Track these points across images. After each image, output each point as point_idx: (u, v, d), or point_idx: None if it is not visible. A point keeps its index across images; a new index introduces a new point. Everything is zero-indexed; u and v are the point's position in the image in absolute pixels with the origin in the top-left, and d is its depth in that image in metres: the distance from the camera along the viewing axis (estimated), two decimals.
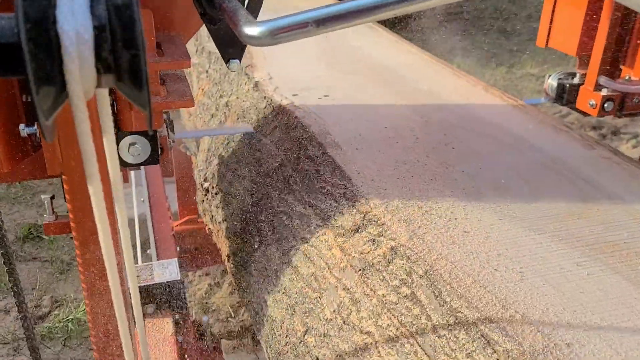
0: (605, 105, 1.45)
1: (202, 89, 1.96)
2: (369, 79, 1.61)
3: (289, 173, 1.23)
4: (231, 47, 1.09)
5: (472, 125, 1.31)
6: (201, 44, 2.20)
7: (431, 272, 0.82)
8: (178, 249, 2.05)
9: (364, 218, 0.98)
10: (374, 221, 0.96)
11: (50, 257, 3.30)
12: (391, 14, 0.71)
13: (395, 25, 7.70)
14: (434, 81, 1.59)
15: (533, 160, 1.15)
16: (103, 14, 0.42)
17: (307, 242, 1.06)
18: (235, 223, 1.34)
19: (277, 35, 0.71)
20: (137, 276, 1.42)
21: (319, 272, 1.00)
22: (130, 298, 0.70)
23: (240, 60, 1.11)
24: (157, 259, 2.19)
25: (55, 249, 3.36)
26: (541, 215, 0.97)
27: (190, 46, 2.27)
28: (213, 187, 1.48)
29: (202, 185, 1.53)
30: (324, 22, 0.70)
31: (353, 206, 1.01)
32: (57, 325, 2.76)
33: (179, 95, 1.05)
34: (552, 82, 1.57)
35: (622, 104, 1.51)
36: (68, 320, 2.78)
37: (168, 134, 1.16)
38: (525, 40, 7.67)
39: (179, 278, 1.46)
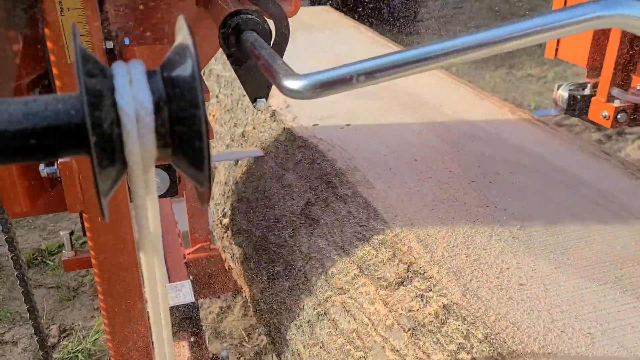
0: (619, 116, 1.43)
1: (213, 115, 1.89)
2: (391, 103, 1.54)
3: (318, 214, 1.16)
4: (257, 86, 1.07)
5: (506, 154, 1.25)
6: (208, 66, 2.14)
7: (492, 336, 0.76)
8: (191, 277, 1.98)
9: (408, 269, 0.91)
10: (420, 274, 0.89)
11: (56, 283, 3.22)
12: (434, 67, 0.69)
13: (394, 25, 7.66)
14: (459, 104, 1.53)
15: (579, 194, 1.08)
16: (162, 91, 0.42)
17: (345, 294, 1.00)
18: (259, 265, 1.28)
19: (319, 89, 0.68)
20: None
21: (362, 329, 0.93)
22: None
23: (266, 99, 1.10)
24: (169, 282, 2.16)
25: (61, 274, 3.28)
26: (598, 261, 0.90)
27: None
28: (234, 224, 1.42)
29: (220, 221, 1.46)
30: (368, 75, 0.68)
31: (394, 255, 0.95)
32: (66, 357, 2.68)
33: None
34: (562, 92, 1.54)
35: (635, 115, 1.49)
36: (78, 351, 2.70)
37: None
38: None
39: (193, 300, 1.45)
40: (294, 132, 1.39)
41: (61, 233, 1.17)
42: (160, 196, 1.09)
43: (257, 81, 1.06)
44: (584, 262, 0.90)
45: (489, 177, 1.15)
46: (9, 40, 0.89)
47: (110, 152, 0.41)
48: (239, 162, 1.49)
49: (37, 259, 3.40)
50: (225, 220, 1.45)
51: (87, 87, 0.40)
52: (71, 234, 1.19)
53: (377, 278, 0.95)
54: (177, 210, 2.86)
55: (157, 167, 1.04)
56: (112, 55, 1.04)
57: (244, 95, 1.72)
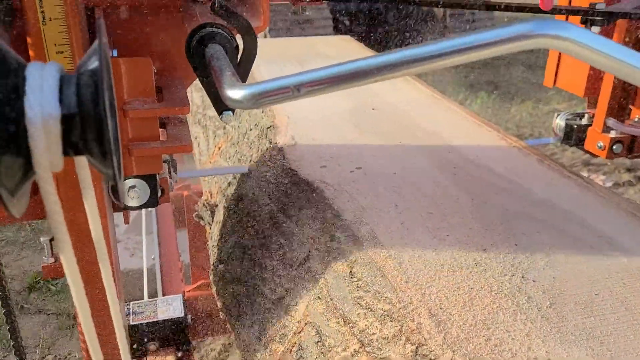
0: (614, 147, 1.42)
1: (219, 147, 1.78)
2: (408, 144, 1.42)
3: (319, 270, 1.03)
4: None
5: (533, 210, 1.11)
6: None
7: None
8: (190, 317, 1.85)
9: (416, 352, 0.77)
10: None
11: (56, 309, 3.12)
12: (375, 79, 0.70)
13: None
14: (482, 148, 1.40)
15: (619, 265, 0.94)
16: (71, 89, 0.42)
17: None
18: (252, 322, 1.15)
19: (260, 99, 0.70)
20: (141, 313, 1.41)
21: None
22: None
23: (233, 112, 1.09)
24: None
25: (63, 300, 3.18)
26: None
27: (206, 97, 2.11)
28: (228, 272, 1.29)
29: (216, 266, 1.34)
30: (306, 87, 0.69)
31: (401, 331, 0.81)
32: None
33: (178, 140, 1.06)
34: (560, 121, 1.53)
35: (632, 146, 1.47)
36: None
37: (170, 174, 1.14)
38: None
39: (183, 315, 1.43)
40: (299, 174, 1.26)
41: (42, 239, 1.13)
42: (141, 207, 1.08)
43: None
44: (629, 354, 0.75)
45: (514, 237, 1.01)
46: None
47: (14, 147, 0.40)
48: (240, 203, 1.37)
49: (39, 283, 3.31)
50: (221, 267, 1.32)
51: None
52: (51, 240, 1.13)
53: (381, 358, 0.81)
54: (182, 241, 2.76)
55: (137, 177, 1.05)
56: None
57: (251, 129, 1.61)
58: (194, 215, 1.61)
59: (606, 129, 1.42)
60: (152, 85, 1.00)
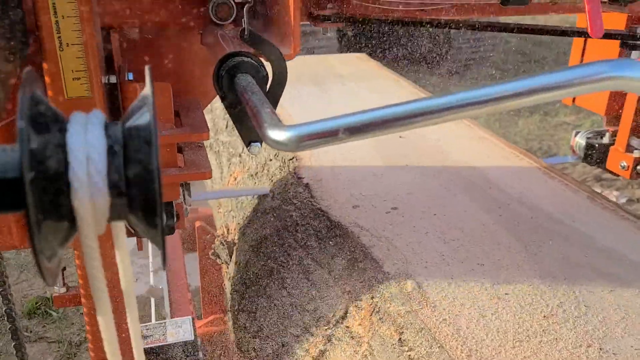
0: (638, 167, 1.36)
1: (235, 177, 1.67)
2: (443, 179, 1.30)
3: (360, 332, 0.92)
4: (252, 130, 1.01)
5: (597, 261, 0.99)
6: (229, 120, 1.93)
7: None
8: (202, 355, 1.73)
9: None
10: None
11: (58, 337, 2.99)
12: (432, 122, 0.65)
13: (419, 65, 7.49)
14: (524, 185, 1.28)
15: None
16: (118, 144, 0.39)
17: None
18: None
19: (305, 142, 0.65)
20: (149, 336, 1.37)
21: None
22: None
23: (261, 144, 1.04)
24: None
25: (64, 327, 3.05)
26: None
27: (220, 120, 2.01)
28: (252, 325, 1.17)
29: (236, 315, 1.22)
30: (356, 130, 0.65)
31: None
32: None
33: (196, 167, 1.02)
34: (580, 140, 1.49)
35: None
36: None
37: (185, 199, 1.10)
38: None
39: (194, 338, 1.37)
40: (330, 216, 1.15)
41: None
42: None
43: (252, 125, 0.97)
44: None
45: (582, 295, 0.90)
46: (7, 74, 0.84)
47: (53, 205, 0.37)
48: (263, 245, 1.25)
49: (39, 309, 3.18)
50: (243, 317, 1.21)
51: (29, 138, 0.36)
52: (63, 269, 1.14)
53: None
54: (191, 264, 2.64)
55: None
56: (114, 90, 0.99)
57: (271, 160, 1.49)
58: (210, 254, 1.49)
59: (629, 148, 1.38)
60: (171, 111, 0.97)
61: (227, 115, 1.98)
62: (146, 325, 1.39)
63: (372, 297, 0.94)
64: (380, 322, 0.89)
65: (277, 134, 0.67)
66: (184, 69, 1.12)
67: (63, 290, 1.11)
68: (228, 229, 1.51)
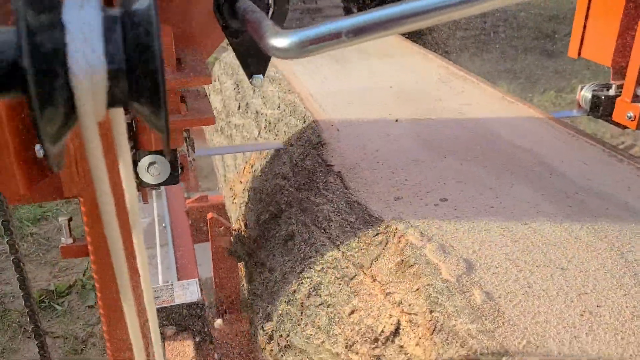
0: None
1: (251, 164, 1.50)
2: (495, 165, 1.13)
3: (417, 355, 0.75)
4: (254, 61, 1.05)
5: None
6: (244, 98, 1.76)
7: None
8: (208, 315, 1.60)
9: None
10: None
11: (63, 332, 2.86)
12: (432, 22, 0.66)
13: (422, 39, 7.25)
14: (590, 170, 1.11)
15: None
16: (117, 25, 0.38)
17: None
18: None
19: (307, 47, 0.65)
20: (157, 297, 1.40)
21: None
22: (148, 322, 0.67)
23: (263, 75, 1.07)
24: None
25: (70, 321, 2.92)
26: None
27: (231, 100, 1.83)
28: (280, 335, 1.01)
29: (262, 327, 1.06)
30: (359, 31, 0.65)
31: None
32: None
33: (199, 113, 1.03)
34: (586, 93, 1.48)
35: None
36: None
37: (188, 152, 1.11)
38: (572, 61, 7.12)
39: (200, 299, 1.42)
40: (370, 210, 0.98)
41: (60, 219, 1.12)
42: (161, 184, 1.03)
43: (254, 56, 1.03)
44: None
45: None
46: None
47: (56, 89, 0.37)
48: (290, 243, 1.09)
49: (44, 302, 3.04)
50: (269, 326, 1.05)
51: (26, 16, 0.35)
52: (70, 220, 1.13)
53: None
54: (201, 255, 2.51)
55: (156, 153, 1.00)
56: None
57: (292, 145, 1.32)
58: (226, 252, 1.33)
59: (636, 98, 1.36)
60: (173, 55, 0.96)
61: (239, 96, 1.81)
62: (154, 288, 1.42)
63: (431, 311, 0.78)
64: (446, 345, 0.73)
65: (279, 41, 0.67)
66: (184, 18, 1.08)
67: (70, 241, 1.11)
68: (246, 224, 1.34)
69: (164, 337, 1.41)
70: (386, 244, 0.92)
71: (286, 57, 0.69)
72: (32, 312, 1.66)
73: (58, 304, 3.04)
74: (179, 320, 1.43)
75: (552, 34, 8.51)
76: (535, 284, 0.78)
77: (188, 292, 1.45)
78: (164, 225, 2.67)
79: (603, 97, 1.45)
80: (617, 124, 1.44)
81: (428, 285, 0.81)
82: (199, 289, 1.46)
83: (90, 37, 0.37)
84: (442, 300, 0.78)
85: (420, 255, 0.86)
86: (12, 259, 1.60)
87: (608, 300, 0.75)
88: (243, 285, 1.46)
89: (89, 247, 1.04)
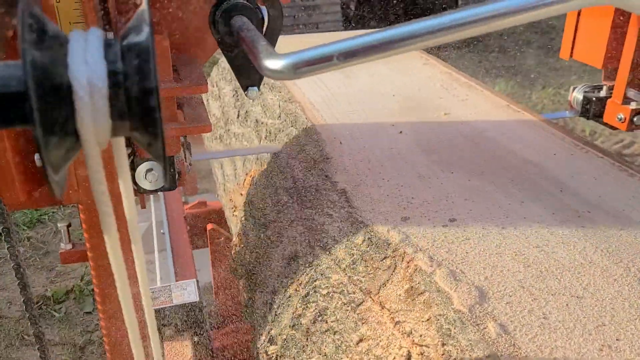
0: (635, 118, 1.36)
1: (251, 176, 1.47)
2: (503, 182, 1.10)
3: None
4: (249, 74, 1.06)
5: None
6: (243, 106, 1.72)
7: None
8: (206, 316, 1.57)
9: None
10: None
11: (60, 339, 2.83)
12: (422, 46, 0.68)
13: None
14: (606, 188, 1.08)
15: None
16: (117, 60, 0.40)
17: None
18: None
19: (301, 69, 0.67)
20: (155, 298, 1.41)
21: None
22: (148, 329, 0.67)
23: (259, 88, 1.07)
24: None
25: (67, 328, 2.89)
26: None
27: (230, 108, 1.80)
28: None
29: (266, 350, 1.03)
30: (351, 55, 0.67)
31: None
32: None
33: (196, 121, 1.04)
34: (577, 95, 1.49)
35: None
36: None
37: (185, 156, 1.11)
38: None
39: (198, 300, 1.42)
40: (376, 231, 0.95)
41: (59, 225, 1.14)
42: (158, 190, 1.05)
43: (249, 69, 1.04)
44: None
45: None
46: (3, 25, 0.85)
47: (61, 119, 0.38)
48: (293, 263, 1.06)
49: (41, 308, 3.01)
50: (272, 349, 1.02)
51: (31, 50, 0.37)
52: (69, 226, 1.15)
53: None
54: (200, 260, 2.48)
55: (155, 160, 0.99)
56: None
57: (293, 157, 1.29)
58: (229, 269, 1.30)
59: (626, 100, 1.37)
60: (169, 64, 0.97)
61: (238, 104, 1.78)
62: (152, 289, 1.41)
63: (444, 344, 0.75)
64: None
65: (273, 63, 0.68)
66: (179, 26, 1.08)
67: (69, 246, 1.12)
68: (247, 240, 1.31)
69: (162, 338, 1.41)
70: (394, 268, 0.89)
71: (279, 78, 0.71)
72: (33, 319, 1.66)
73: (55, 310, 3.01)
74: (177, 321, 1.42)
75: (551, 30, 8.48)
76: (551, 315, 0.75)
77: (186, 293, 1.44)
78: (162, 231, 2.64)
79: (594, 99, 1.46)
80: (608, 125, 1.45)
81: (439, 315, 0.78)
82: (197, 290, 1.44)
83: (95, 83, 0.39)
84: (454, 332, 0.75)
85: (430, 282, 0.83)
86: (12, 265, 1.60)
87: (627, 332, 0.72)
88: (243, 297, 1.44)
89: (88, 253, 1.05)
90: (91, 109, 0.39)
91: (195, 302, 1.40)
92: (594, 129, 5.06)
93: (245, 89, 1.07)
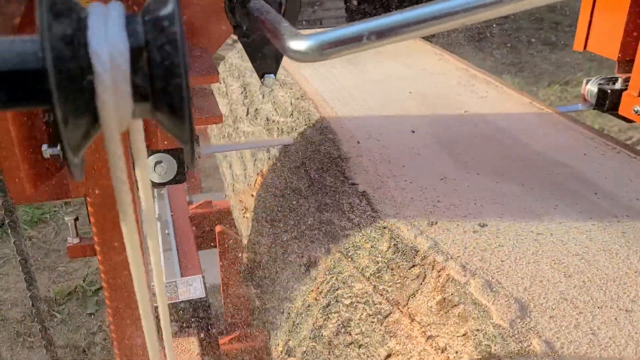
0: None
1: (262, 176, 1.41)
2: (533, 184, 1.04)
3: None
4: (266, 61, 1.03)
5: None
6: (252, 103, 1.66)
7: None
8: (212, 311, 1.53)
9: None
10: None
11: (63, 342, 2.77)
12: (456, 24, 0.65)
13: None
14: (636, 185, 1.03)
15: None
16: (140, 34, 0.37)
17: None
18: None
19: (327, 50, 0.64)
20: None
21: None
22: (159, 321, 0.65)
23: (275, 75, 1.04)
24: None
25: (69, 331, 2.84)
26: None
27: (238, 106, 1.74)
28: None
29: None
30: (381, 34, 0.63)
31: None
32: None
33: (207, 112, 1.02)
34: (591, 87, 1.46)
35: None
36: None
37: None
38: (576, 53, 7.01)
39: (204, 295, 1.41)
40: (402, 238, 0.89)
41: (66, 218, 1.12)
42: (168, 182, 1.04)
43: (266, 56, 1.02)
44: None
45: None
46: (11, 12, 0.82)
47: (79, 99, 0.36)
48: (313, 270, 1.00)
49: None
50: None
51: (50, 25, 0.35)
52: (76, 219, 1.13)
53: None
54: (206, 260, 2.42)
55: (164, 151, 1.01)
56: None
57: (308, 155, 1.23)
58: (240, 276, 1.25)
59: None
60: None
61: (247, 101, 1.71)
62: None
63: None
64: None
65: (298, 44, 0.65)
66: (189, 14, 1.05)
67: (76, 240, 1.11)
68: (259, 244, 1.25)
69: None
70: (424, 277, 0.83)
71: (304, 60, 0.68)
72: (41, 319, 1.62)
73: (57, 312, 2.96)
74: (183, 316, 1.42)
75: (556, 25, 8.40)
76: (600, 331, 0.69)
77: (192, 289, 1.44)
78: (167, 232, 2.58)
79: (609, 91, 1.42)
80: (624, 118, 1.41)
81: (477, 330, 0.72)
82: (202, 286, 1.44)
83: (117, 62, 0.36)
84: (495, 349, 0.69)
85: (465, 294, 0.77)
86: (19, 259, 1.56)
87: None
88: (254, 303, 1.38)
89: (96, 246, 1.03)
90: (112, 87, 0.37)
91: (201, 297, 1.39)
92: (602, 125, 5.00)
93: (261, 76, 1.05)
